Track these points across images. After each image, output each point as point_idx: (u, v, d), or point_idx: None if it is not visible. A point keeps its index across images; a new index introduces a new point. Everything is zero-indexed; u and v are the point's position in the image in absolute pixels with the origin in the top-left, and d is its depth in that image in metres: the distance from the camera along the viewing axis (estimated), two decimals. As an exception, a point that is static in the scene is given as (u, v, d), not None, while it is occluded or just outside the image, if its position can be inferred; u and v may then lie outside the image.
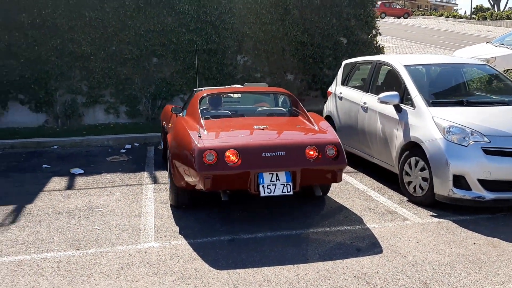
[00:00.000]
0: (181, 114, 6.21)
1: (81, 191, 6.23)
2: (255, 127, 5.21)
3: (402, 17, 42.42)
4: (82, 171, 7.18)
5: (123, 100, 11.05)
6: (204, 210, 5.45)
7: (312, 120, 5.57)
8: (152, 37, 10.88)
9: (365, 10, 12.15)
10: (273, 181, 4.72)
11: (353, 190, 6.24)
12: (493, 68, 6.72)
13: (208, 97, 6.05)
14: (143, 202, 5.76)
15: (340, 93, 7.70)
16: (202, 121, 5.32)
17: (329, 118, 8.08)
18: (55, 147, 9.06)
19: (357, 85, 7.46)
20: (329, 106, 8.10)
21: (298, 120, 5.69)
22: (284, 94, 6.35)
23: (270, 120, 5.65)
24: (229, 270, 3.99)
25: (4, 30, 10.19)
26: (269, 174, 4.72)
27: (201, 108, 5.81)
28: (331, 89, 8.20)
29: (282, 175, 4.74)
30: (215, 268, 4.04)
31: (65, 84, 10.71)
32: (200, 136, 4.89)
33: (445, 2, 48.94)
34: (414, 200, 5.68)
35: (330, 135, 5.13)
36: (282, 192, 4.72)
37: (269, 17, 11.46)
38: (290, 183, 4.74)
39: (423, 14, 45.56)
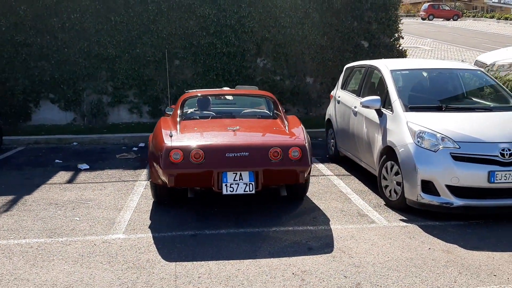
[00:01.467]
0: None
1: (78, 185, 6.67)
2: (228, 128, 5.43)
3: (451, 19, 41.15)
4: (88, 167, 7.65)
5: (145, 101, 11.52)
6: (183, 206, 5.72)
7: (286, 123, 5.73)
8: (174, 40, 11.29)
9: (387, 13, 12.06)
10: (236, 180, 4.92)
11: (335, 192, 6.32)
12: (485, 73, 6.60)
13: (191, 99, 6.33)
14: (129, 197, 6.11)
15: (339, 97, 7.78)
16: (179, 122, 5.60)
17: (329, 122, 8.17)
18: (75, 143, 9.63)
19: (352, 89, 7.52)
20: (330, 109, 8.19)
21: (274, 123, 5.86)
22: (267, 97, 6.53)
23: (247, 122, 5.85)
24: (177, 262, 4.24)
25: (36, 33, 10.90)
26: (233, 173, 4.93)
27: (185, 109, 6.11)
28: (333, 92, 8.28)
29: (246, 175, 4.94)
30: (166, 260, 4.30)
31: (92, 84, 11.30)
32: (171, 136, 5.17)
33: (503, 3, 46.99)
34: (389, 204, 5.71)
35: (297, 138, 5.27)
36: (244, 191, 4.93)
37: (288, 20, 11.61)
38: (253, 183, 4.94)
39: (473, 16, 43.92)
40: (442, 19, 40.97)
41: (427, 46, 20.62)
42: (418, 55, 18.87)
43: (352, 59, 11.84)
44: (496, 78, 8.89)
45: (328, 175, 7.13)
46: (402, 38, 12.52)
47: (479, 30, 31.53)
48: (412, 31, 29.77)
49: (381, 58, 11.28)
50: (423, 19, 40.75)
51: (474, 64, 11.98)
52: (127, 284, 3.87)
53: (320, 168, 7.55)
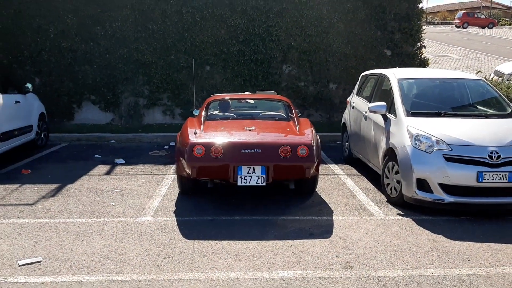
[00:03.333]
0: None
1: (114, 177, 7.52)
2: (246, 128, 6.15)
3: (486, 27, 40.76)
4: (124, 161, 8.51)
5: (178, 103, 12.38)
6: (205, 196, 6.47)
7: (298, 125, 6.41)
8: (205, 47, 12.11)
9: (410, 23, 12.52)
10: (250, 173, 5.63)
11: (343, 189, 6.93)
12: (487, 83, 7.08)
13: (215, 102, 7.08)
14: (158, 188, 6.90)
15: (353, 103, 8.39)
16: (203, 122, 6.37)
17: (344, 126, 8.78)
18: (112, 141, 10.55)
19: (366, 95, 8.10)
20: (345, 114, 8.81)
21: (287, 124, 6.54)
22: (283, 101, 7.22)
23: (262, 124, 6.54)
24: (195, 240, 4.97)
25: (81, 40, 11.91)
26: (247, 167, 5.64)
27: (210, 111, 6.86)
28: (349, 98, 8.88)
29: (258, 169, 5.65)
30: (186, 238, 5.04)
31: (130, 88, 12.23)
32: (195, 134, 5.93)
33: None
34: (390, 200, 6.29)
35: (305, 137, 5.94)
36: (257, 183, 5.63)
37: (313, 29, 12.24)
38: (264, 176, 5.63)
39: (509, 24, 43.37)
40: (477, 27, 40.70)
41: (455, 55, 20.79)
42: (445, 63, 19.16)
43: (375, 67, 12.32)
44: (508, 87, 9.32)
45: (339, 175, 7.74)
46: (425, 47, 12.94)
47: (513, 39, 31.30)
48: (443, 39, 29.89)
49: (403, 66, 11.83)
50: (458, 27, 40.59)
51: (493, 73, 12.34)
52: (152, 255, 4.62)
53: (334, 168, 8.17)
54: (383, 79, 7.49)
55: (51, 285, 4.05)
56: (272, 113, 7.15)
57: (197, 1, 11.92)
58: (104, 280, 4.12)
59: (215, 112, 7.02)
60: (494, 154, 5.55)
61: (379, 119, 6.82)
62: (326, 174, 7.72)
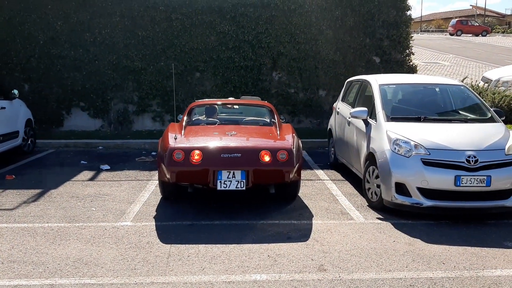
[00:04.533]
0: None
1: (98, 182, 7.51)
2: (227, 133, 6.17)
3: (480, 35, 41.03)
4: (109, 167, 8.50)
5: (168, 110, 12.39)
6: (186, 200, 6.46)
7: (279, 130, 6.43)
8: (195, 54, 12.16)
9: (398, 30, 12.60)
10: (230, 178, 5.64)
11: (326, 194, 6.94)
12: (467, 88, 7.13)
13: (198, 108, 7.10)
14: (141, 193, 6.90)
15: (338, 108, 8.42)
16: (184, 127, 6.38)
17: (330, 131, 8.81)
18: (100, 147, 10.55)
19: (350, 101, 8.14)
20: (331, 120, 8.84)
21: (269, 129, 6.57)
22: (266, 106, 7.24)
23: (244, 129, 6.57)
24: (172, 244, 4.97)
25: (71, 47, 11.95)
26: (227, 172, 5.64)
27: (192, 116, 6.88)
28: (335, 104, 8.92)
29: (238, 173, 5.65)
30: (163, 242, 5.04)
31: (119, 94, 12.26)
32: (176, 139, 5.94)
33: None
34: (371, 205, 6.30)
35: (285, 142, 5.96)
36: (236, 187, 5.64)
37: (303, 37, 12.32)
38: (244, 180, 5.64)
39: (503, 32, 43.69)
40: (470, 35, 40.98)
41: (447, 62, 20.91)
42: (436, 70, 19.24)
43: (364, 74, 12.40)
44: (494, 93, 9.38)
45: (324, 180, 7.75)
46: (413, 54, 13.01)
47: (506, 46, 31.46)
48: (436, 46, 30.06)
49: (392, 73, 11.87)
50: (451, 34, 40.91)
51: (481, 80, 12.43)
52: (127, 259, 4.62)
53: (319, 173, 8.18)
54: (365, 85, 7.54)
55: (23, 288, 4.05)
56: (255, 118, 7.17)
57: (186, 8, 11.99)
58: (76, 284, 4.12)
59: (198, 118, 7.04)
60: (472, 158, 5.57)
61: (361, 124, 6.86)
62: (311, 179, 7.74)
